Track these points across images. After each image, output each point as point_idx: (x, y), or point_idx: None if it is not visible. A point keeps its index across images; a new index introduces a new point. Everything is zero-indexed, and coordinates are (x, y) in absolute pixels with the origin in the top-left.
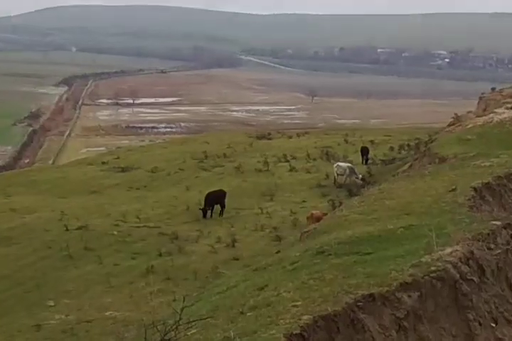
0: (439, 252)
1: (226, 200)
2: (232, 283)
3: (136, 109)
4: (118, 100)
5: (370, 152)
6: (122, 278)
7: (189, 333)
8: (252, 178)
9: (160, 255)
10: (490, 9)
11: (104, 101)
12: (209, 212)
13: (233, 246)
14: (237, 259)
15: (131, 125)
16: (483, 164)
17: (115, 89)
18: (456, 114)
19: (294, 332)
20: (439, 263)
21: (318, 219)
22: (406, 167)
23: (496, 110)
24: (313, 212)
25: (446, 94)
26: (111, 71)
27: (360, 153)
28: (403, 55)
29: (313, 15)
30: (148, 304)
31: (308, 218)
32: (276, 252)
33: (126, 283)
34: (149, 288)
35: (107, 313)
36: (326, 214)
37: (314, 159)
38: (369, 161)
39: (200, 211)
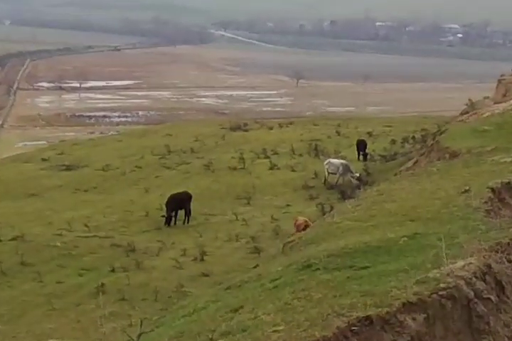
0: (450, 266)
1: (192, 205)
2: (201, 305)
3: (83, 95)
4: (61, 84)
5: (368, 146)
6: (67, 299)
7: None
8: (225, 178)
9: (113, 271)
10: None
11: (45, 84)
12: (173, 219)
13: (202, 259)
14: (207, 276)
15: (77, 114)
16: (502, 160)
17: (58, 70)
18: (470, 100)
19: None
20: (450, 279)
21: (303, 228)
22: (410, 164)
23: None
24: (299, 219)
25: (458, 77)
26: (53, 48)
27: (356, 148)
28: (407, 29)
29: None
30: (98, 330)
31: (296, 225)
32: (254, 267)
33: (72, 305)
34: (100, 311)
35: None
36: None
37: (300, 155)
38: (367, 157)
39: (163, 218)
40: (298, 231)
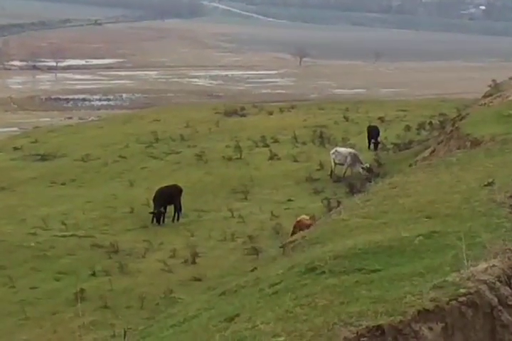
0: (471, 269)
1: (182, 200)
2: (192, 313)
3: (60, 75)
4: (36, 62)
5: (381, 133)
6: (42, 306)
7: None
8: (220, 169)
9: (93, 275)
10: None
11: (17, 63)
12: (162, 215)
13: (193, 262)
14: (199, 280)
15: (53, 96)
16: None
17: (32, 47)
18: (494, 80)
19: None
20: (471, 284)
21: (305, 227)
22: (427, 153)
23: None
24: (303, 217)
25: (481, 55)
26: (26, 22)
27: (366, 135)
28: (423, 0)
29: None
30: None
31: (295, 226)
32: (252, 270)
33: (48, 314)
34: (79, 320)
35: None
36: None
37: (303, 143)
38: (379, 146)
39: (150, 215)
40: (297, 231)
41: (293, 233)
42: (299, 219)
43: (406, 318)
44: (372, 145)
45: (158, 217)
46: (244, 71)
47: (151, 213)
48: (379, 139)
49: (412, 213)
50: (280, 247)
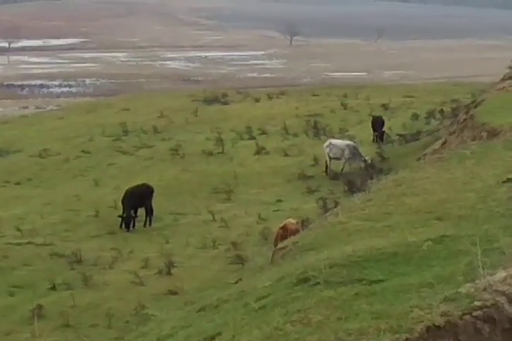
0: (488, 278)
1: (154, 201)
2: (166, 331)
3: (14, 58)
4: None
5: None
6: None
7: None
8: (199, 166)
9: (53, 289)
10: None
11: None
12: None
13: (168, 273)
14: (175, 293)
15: (5, 83)
16: None
17: None
18: None
19: None
20: (488, 296)
21: (289, 234)
22: (437, 145)
23: None
24: (288, 221)
25: (498, 31)
26: None
27: (371, 127)
28: None
29: None
30: None
31: (278, 234)
32: (236, 282)
33: (1, 334)
34: None
35: None
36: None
37: (295, 135)
38: (384, 137)
39: (119, 219)
40: (282, 239)
41: (276, 241)
42: (282, 224)
43: (413, 336)
44: (378, 138)
45: (127, 221)
46: (226, 52)
47: (119, 217)
48: (383, 129)
49: (420, 214)
50: (271, 256)
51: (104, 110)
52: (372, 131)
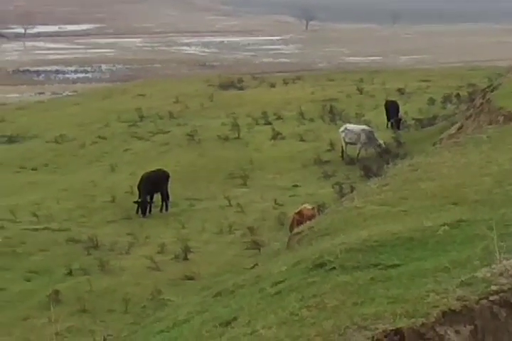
0: (504, 262)
1: (170, 187)
2: (183, 316)
3: (29, 44)
4: (1, 29)
5: (400, 108)
6: (12, 311)
7: None
8: (214, 151)
9: (70, 274)
10: None
11: None
12: (153, 205)
13: (185, 258)
14: (191, 279)
15: (22, 68)
16: None
17: None
18: None
19: None
20: (504, 280)
21: (305, 219)
22: (453, 130)
23: None
24: (304, 207)
25: None
26: None
27: (385, 112)
28: None
29: None
30: None
31: (294, 219)
32: (252, 267)
33: (18, 320)
34: (54, 326)
35: None
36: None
37: (311, 119)
38: (401, 123)
39: (135, 204)
40: (298, 224)
41: (291, 226)
42: (298, 209)
43: (429, 320)
44: (394, 124)
45: (143, 206)
46: (242, 37)
47: (135, 202)
48: (400, 116)
49: (436, 199)
50: (287, 241)
51: (120, 96)
52: (386, 116)
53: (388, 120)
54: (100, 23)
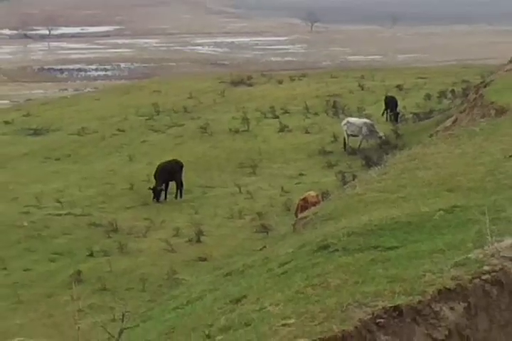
0: (495, 245)
1: (185, 175)
2: (196, 295)
3: (53, 44)
4: (27, 31)
5: (399, 103)
6: (37, 289)
7: None
8: (226, 143)
9: (91, 255)
10: None
11: (7, 32)
12: (163, 192)
13: (198, 241)
14: (204, 260)
15: (46, 67)
16: None
17: (23, 14)
18: None
19: None
20: (495, 261)
21: (309, 206)
22: (448, 123)
23: None
24: (308, 194)
25: (507, 17)
26: None
27: (384, 106)
28: None
29: None
30: (74, 326)
31: (299, 205)
32: (260, 249)
33: (43, 297)
34: (76, 304)
35: (14, 340)
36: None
37: (316, 113)
38: (399, 117)
39: (151, 191)
40: (302, 209)
41: (296, 212)
42: (303, 196)
43: (425, 298)
44: (392, 118)
45: (157, 193)
46: (251, 37)
47: (149, 189)
48: (398, 110)
49: (432, 186)
50: (293, 225)
51: (138, 92)
52: (384, 110)
53: (386, 113)
54: (119, 25)
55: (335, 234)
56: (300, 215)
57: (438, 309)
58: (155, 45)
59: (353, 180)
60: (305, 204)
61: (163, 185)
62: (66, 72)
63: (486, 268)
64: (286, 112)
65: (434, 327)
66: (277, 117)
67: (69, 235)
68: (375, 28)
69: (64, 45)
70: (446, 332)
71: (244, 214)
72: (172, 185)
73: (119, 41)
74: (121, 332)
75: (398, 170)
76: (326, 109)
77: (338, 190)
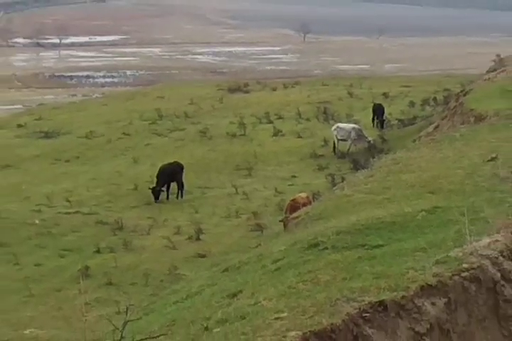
0: (474, 244)
1: (185, 177)
2: (195, 289)
3: (64, 52)
4: (39, 40)
5: (385, 110)
6: (47, 283)
7: None
8: (223, 146)
9: (98, 252)
10: None
11: (21, 41)
12: (163, 193)
13: (198, 238)
14: (203, 256)
15: (57, 74)
16: None
17: (36, 24)
18: (498, 55)
19: None
20: (474, 259)
21: (301, 206)
22: (431, 129)
23: None
24: (298, 196)
25: (485, 30)
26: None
27: (372, 113)
28: None
29: None
30: (81, 319)
31: (288, 205)
32: (255, 247)
33: (52, 291)
34: (83, 297)
35: (26, 331)
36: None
37: (307, 119)
38: (385, 124)
39: (152, 191)
40: (292, 209)
41: (286, 211)
42: (293, 197)
43: (409, 294)
44: (378, 124)
45: (156, 194)
46: (247, 47)
47: (150, 189)
48: (384, 117)
49: (415, 188)
50: (280, 221)
51: (142, 98)
52: (372, 117)
53: (374, 120)
54: (125, 34)
55: (325, 233)
56: (292, 215)
57: (420, 304)
58: (159, 53)
59: (342, 182)
60: (295, 205)
61: (165, 185)
62: (75, 79)
63: (465, 265)
64: (280, 118)
65: (417, 321)
66: (272, 122)
67: (77, 232)
68: (363, 39)
69: (74, 53)
70: (428, 326)
71: (240, 213)
72: (173, 185)
73: (126, 50)
74: (125, 324)
75: (384, 173)
76: (317, 115)
77: (328, 191)
